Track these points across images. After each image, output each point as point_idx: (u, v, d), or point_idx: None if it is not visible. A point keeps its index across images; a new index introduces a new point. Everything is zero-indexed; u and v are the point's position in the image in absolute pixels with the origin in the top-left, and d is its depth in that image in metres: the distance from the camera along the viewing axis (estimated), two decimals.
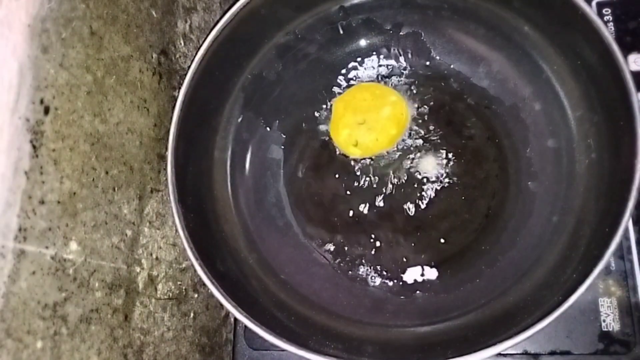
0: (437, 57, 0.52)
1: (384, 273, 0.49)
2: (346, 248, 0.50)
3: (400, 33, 0.53)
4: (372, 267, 0.50)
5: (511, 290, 0.46)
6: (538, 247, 0.46)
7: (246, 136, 0.53)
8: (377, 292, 0.49)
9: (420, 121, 0.52)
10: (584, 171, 0.46)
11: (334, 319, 0.48)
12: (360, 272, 0.50)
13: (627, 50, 0.51)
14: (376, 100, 0.51)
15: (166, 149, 0.45)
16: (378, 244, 0.50)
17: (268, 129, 0.54)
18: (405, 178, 0.51)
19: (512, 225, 0.48)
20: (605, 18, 0.53)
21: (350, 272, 0.50)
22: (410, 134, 0.52)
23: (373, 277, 0.49)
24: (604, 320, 0.47)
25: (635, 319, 0.46)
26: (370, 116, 0.51)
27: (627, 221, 0.38)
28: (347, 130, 0.51)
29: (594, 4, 0.54)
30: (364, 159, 0.52)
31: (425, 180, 0.51)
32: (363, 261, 0.50)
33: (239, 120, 0.53)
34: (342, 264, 0.50)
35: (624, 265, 0.48)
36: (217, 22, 0.46)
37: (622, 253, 0.48)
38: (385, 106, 0.51)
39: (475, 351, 0.38)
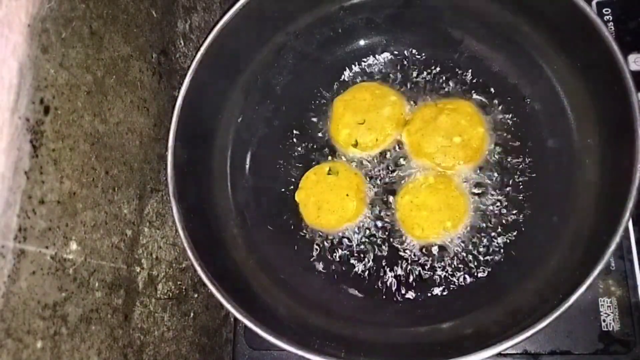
0: (437, 57, 0.52)
1: (382, 277, 0.49)
2: (339, 250, 0.50)
3: (400, 33, 0.53)
4: (370, 269, 0.50)
5: (511, 290, 0.46)
6: (538, 247, 0.46)
7: (246, 136, 0.53)
8: (376, 294, 0.49)
9: None
10: (584, 171, 0.46)
11: (334, 319, 0.48)
12: (358, 274, 0.50)
13: (627, 50, 0.51)
14: (376, 100, 0.51)
15: (166, 149, 0.45)
16: (378, 246, 0.50)
17: (268, 129, 0.54)
18: (394, 170, 0.51)
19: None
20: (605, 18, 0.53)
21: (349, 273, 0.50)
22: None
23: (370, 282, 0.49)
24: (604, 320, 0.47)
25: (635, 319, 0.46)
26: (370, 116, 0.51)
27: (627, 221, 0.38)
28: (347, 130, 0.51)
29: (594, 4, 0.54)
30: (366, 155, 0.52)
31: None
32: (361, 264, 0.50)
33: (239, 120, 0.53)
34: (340, 264, 0.50)
35: (624, 265, 0.48)
36: (217, 22, 0.46)
37: (622, 253, 0.48)
38: (385, 106, 0.51)
39: (475, 351, 0.38)
